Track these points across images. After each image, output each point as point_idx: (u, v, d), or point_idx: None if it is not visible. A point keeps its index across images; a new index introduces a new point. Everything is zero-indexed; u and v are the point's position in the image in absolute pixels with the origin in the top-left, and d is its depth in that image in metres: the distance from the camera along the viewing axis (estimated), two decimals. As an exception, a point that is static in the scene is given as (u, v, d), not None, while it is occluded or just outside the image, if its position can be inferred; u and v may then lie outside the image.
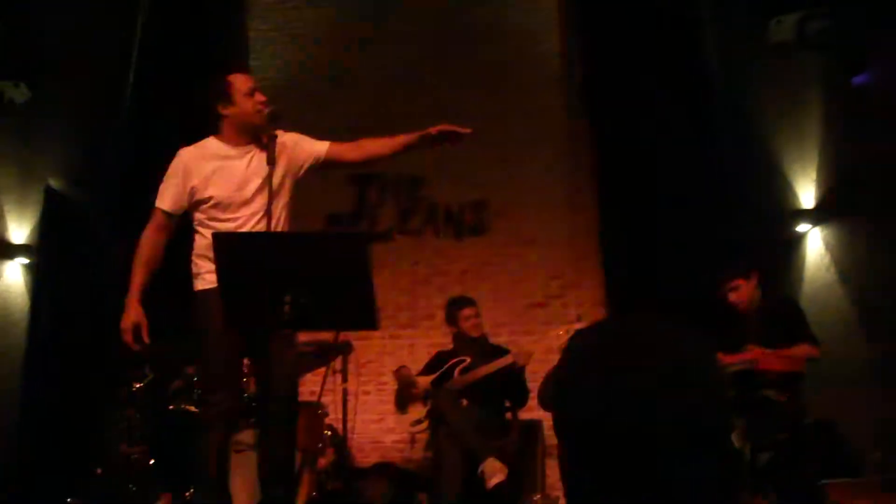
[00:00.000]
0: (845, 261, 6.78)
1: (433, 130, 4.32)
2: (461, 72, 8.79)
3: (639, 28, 8.23)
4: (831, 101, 6.75)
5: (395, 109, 8.28)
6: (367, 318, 3.32)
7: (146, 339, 4.11)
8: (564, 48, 8.83)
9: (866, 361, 6.40)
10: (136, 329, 4.08)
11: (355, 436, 6.68)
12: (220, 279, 3.40)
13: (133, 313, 4.11)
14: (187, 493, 5.49)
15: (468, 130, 4.32)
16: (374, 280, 3.32)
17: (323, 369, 5.97)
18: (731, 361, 4.64)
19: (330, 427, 6.42)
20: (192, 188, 4.21)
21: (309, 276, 3.22)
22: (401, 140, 4.44)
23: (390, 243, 8.39)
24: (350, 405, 5.86)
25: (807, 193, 7.24)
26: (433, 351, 7.05)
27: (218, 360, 4.12)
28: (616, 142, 8.23)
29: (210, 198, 4.19)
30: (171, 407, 5.95)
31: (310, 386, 7.41)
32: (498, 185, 8.53)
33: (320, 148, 4.50)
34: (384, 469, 7.19)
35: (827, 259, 7.01)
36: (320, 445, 6.07)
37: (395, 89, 8.76)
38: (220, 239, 3.42)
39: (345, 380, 5.86)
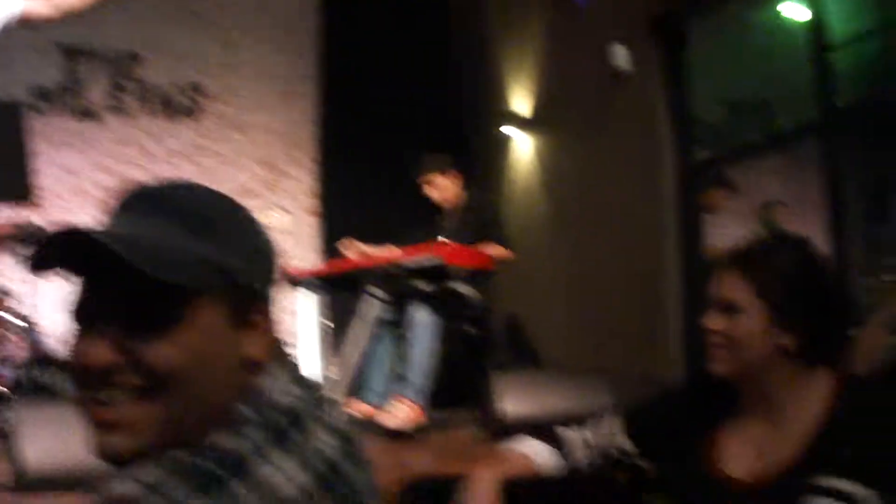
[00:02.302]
0: (549, 169, 7.01)
1: None
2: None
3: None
4: (556, 16, 6.87)
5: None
6: (19, 190, 3.06)
7: None
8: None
9: (558, 266, 6.69)
10: None
11: (47, 324, 6.33)
12: None
13: None
14: None
15: None
16: (30, 153, 3.05)
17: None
18: (421, 254, 4.67)
19: (15, 314, 6.02)
20: None
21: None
22: None
23: (97, 121, 7.91)
24: (38, 291, 5.48)
25: (523, 101, 7.40)
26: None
27: None
28: (344, 34, 8.13)
29: None
30: None
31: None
32: (215, 68, 8.20)
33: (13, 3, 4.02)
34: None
35: (534, 165, 7.22)
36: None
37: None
38: None
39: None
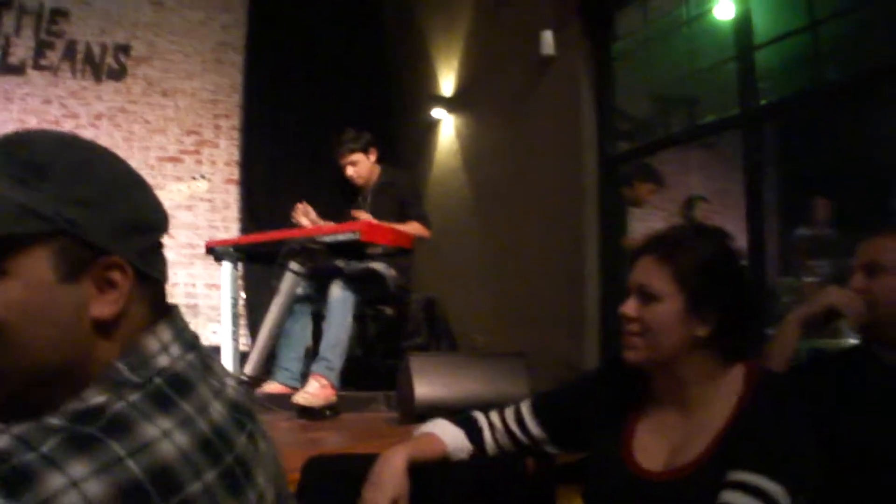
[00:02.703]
0: (472, 151, 6.98)
1: None
2: None
3: None
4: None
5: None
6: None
7: None
8: None
9: (479, 248, 6.66)
10: None
11: None
12: None
13: None
14: None
15: None
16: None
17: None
18: (337, 230, 4.58)
19: None
20: None
21: None
22: None
23: (21, 76, 7.67)
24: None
25: (448, 81, 7.35)
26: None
27: None
28: (275, 5, 8.08)
29: None
30: None
31: None
32: (145, 30, 8.02)
33: None
34: None
35: (456, 146, 7.18)
36: None
37: None
38: None
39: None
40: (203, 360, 1.08)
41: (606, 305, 5.37)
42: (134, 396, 0.95)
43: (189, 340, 1.09)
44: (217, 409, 1.02)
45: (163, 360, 1.02)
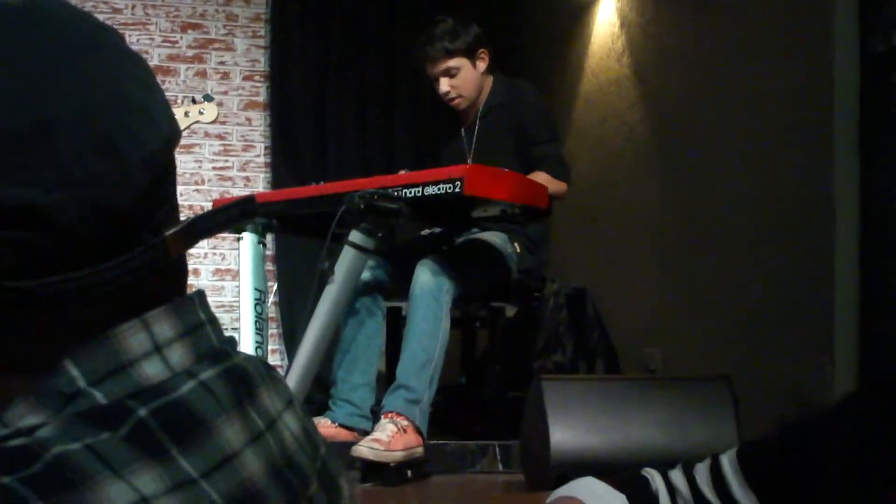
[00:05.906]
0: (644, 48, 6.91)
1: None
2: None
3: None
4: None
5: None
6: None
7: None
8: None
9: (658, 209, 6.59)
10: None
11: None
12: None
13: None
14: None
15: None
16: None
17: None
18: (425, 179, 4.43)
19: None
20: None
21: None
22: None
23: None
24: None
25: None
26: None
27: None
28: None
29: None
30: None
31: None
32: None
33: None
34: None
35: (621, 43, 7.13)
36: None
37: None
38: None
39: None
40: (238, 380, 1.04)
41: (870, 299, 5.21)
42: (95, 435, 0.88)
43: (210, 345, 1.05)
44: (250, 467, 0.99)
45: (151, 371, 0.96)
